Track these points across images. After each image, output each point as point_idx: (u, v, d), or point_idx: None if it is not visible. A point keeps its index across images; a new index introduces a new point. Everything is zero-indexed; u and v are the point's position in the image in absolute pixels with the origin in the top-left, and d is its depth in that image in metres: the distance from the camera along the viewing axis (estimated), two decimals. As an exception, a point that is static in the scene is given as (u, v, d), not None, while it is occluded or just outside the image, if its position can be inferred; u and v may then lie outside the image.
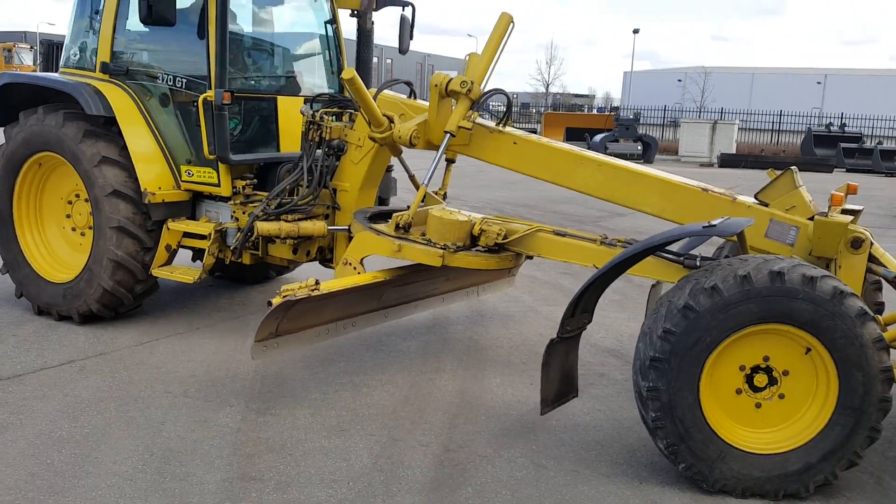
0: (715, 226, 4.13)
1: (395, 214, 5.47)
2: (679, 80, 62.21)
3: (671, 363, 4.01)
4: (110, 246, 6.27)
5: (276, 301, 4.63)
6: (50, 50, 31.30)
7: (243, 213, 6.28)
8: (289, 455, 4.47)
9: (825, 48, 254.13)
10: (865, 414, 3.95)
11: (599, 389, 5.68)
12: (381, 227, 5.54)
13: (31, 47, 42.61)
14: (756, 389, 4.12)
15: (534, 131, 23.69)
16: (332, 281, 5.15)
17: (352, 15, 7.29)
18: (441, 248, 5.23)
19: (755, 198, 4.89)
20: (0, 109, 7.00)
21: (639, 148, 29.42)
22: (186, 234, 6.46)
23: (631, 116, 33.34)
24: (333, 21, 7.30)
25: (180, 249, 6.60)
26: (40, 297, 6.79)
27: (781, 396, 4.11)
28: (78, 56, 6.96)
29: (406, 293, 5.96)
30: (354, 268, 5.50)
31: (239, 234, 6.16)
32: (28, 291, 6.88)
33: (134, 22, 6.41)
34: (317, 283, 4.80)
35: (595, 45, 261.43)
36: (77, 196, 6.75)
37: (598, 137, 29.49)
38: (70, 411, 4.94)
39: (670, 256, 4.73)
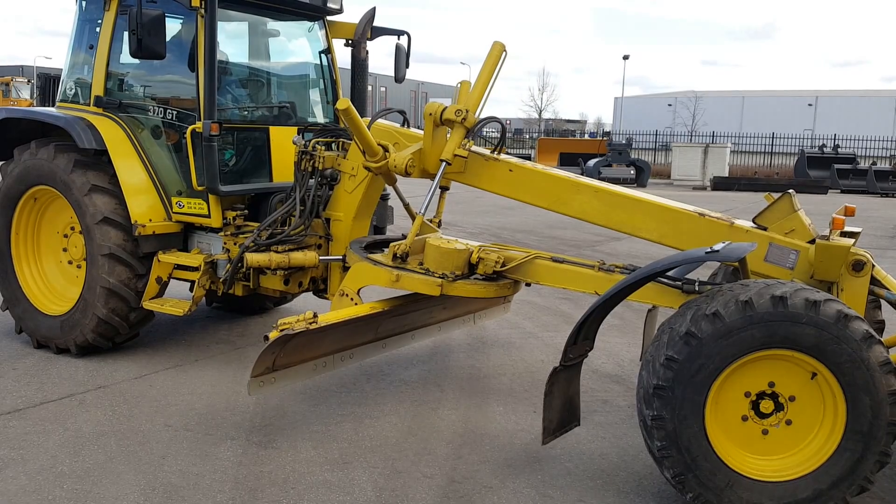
0: (717, 251, 4.11)
1: (392, 244, 5.46)
2: (669, 105, 62.63)
3: (675, 391, 3.97)
4: (102, 274, 6.26)
5: (274, 335, 4.57)
6: (47, 83, 31.44)
7: (234, 244, 6.27)
8: (291, 489, 4.42)
9: (815, 70, 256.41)
10: (874, 439, 3.90)
11: (603, 416, 5.65)
12: (378, 257, 5.53)
13: (29, 81, 42.71)
14: (762, 416, 4.08)
15: (528, 157, 23.84)
16: (330, 313, 5.11)
17: (346, 44, 7.34)
18: (440, 278, 5.21)
19: (753, 222, 4.89)
20: None
21: (632, 172, 29.58)
22: (178, 266, 6.44)
23: (624, 141, 33.49)
24: (328, 51, 7.34)
25: (177, 280, 6.58)
26: (38, 331, 6.77)
27: (788, 423, 4.07)
28: (73, 90, 6.99)
29: (403, 323, 5.93)
30: (351, 299, 5.48)
31: (229, 265, 6.14)
32: (27, 326, 6.87)
33: (127, 56, 6.44)
34: (315, 315, 4.76)
35: (586, 71, 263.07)
36: (73, 229, 6.75)
37: (591, 162, 29.63)
38: (71, 446, 4.89)
39: (669, 282, 4.72)
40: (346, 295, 5.49)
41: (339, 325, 5.05)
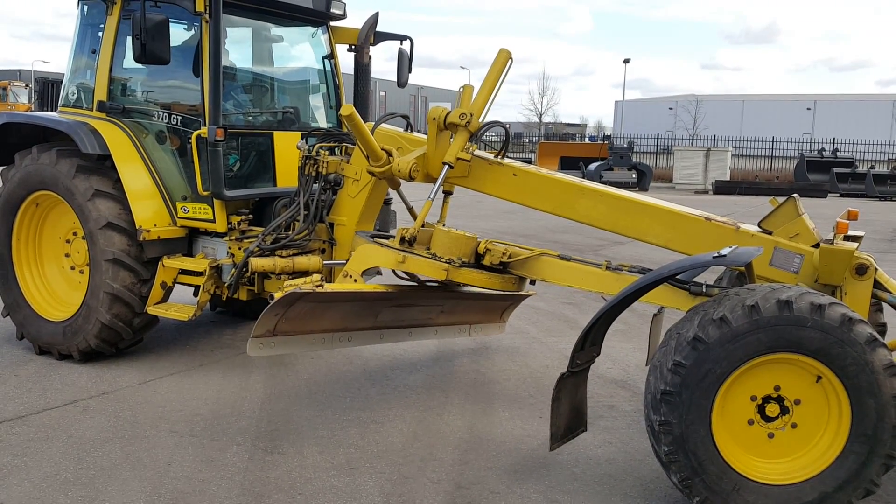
0: (725, 255, 4.11)
1: (400, 228, 5.47)
2: (670, 109, 62.58)
3: (682, 396, 3.98)
4: (106, 279, 6.25)
5: (279, 294, 4.59)
6: (45, 88, 31.44)
7: (239, 248, 6.27)
8: (298, 494, 4.42)
9: (814, 74, 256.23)
10: (880, 441, 3.91)
11: (609, 422, 5.64)
12: (384, 241, 5.55)
13: (27, 85, 42.69)
14: (768, 419, 4.09)
15: (528, 161, 23.83)
16: (336, 283, 5.15)
17: (349, 50, 7.35)
18: (446, 262, 5.21)
19: (758, 226, 4.89)
20: None
21: (633, 176, 29.63)
22: (183, 271, 6.45)
23: (625, 145, 33.53)
24: (331, 56, 7.35)
25: (180, 285, 6.58)
26: (40, 337, 6.75)
27: (794, 426, 4.08)
28: (76, 95, 6.98)
29: (402, 316, 5.93)
30: (355, 280, 5.47)
31: (234, 270, 6.14)
32: (28, 332, 6.84)
33: (130, 61, 6.45)
34: (322, 280, 4.79)
35: (586, 75, 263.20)
36: (75, 234, 6.75)
37: (592, 166, 29.65)
38: (75, 453, 4.88)
39: (675, 284, 4.72)
40: (350, 276, 5.48)
41: (344, 295, 5.06)
